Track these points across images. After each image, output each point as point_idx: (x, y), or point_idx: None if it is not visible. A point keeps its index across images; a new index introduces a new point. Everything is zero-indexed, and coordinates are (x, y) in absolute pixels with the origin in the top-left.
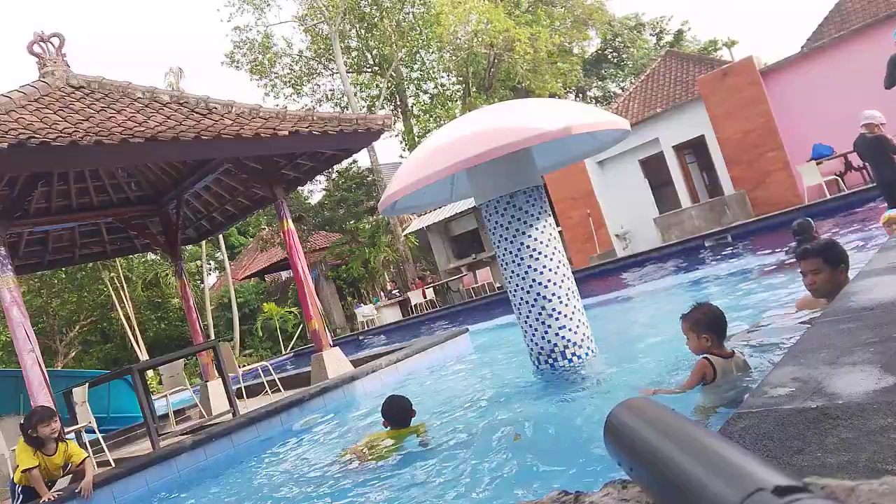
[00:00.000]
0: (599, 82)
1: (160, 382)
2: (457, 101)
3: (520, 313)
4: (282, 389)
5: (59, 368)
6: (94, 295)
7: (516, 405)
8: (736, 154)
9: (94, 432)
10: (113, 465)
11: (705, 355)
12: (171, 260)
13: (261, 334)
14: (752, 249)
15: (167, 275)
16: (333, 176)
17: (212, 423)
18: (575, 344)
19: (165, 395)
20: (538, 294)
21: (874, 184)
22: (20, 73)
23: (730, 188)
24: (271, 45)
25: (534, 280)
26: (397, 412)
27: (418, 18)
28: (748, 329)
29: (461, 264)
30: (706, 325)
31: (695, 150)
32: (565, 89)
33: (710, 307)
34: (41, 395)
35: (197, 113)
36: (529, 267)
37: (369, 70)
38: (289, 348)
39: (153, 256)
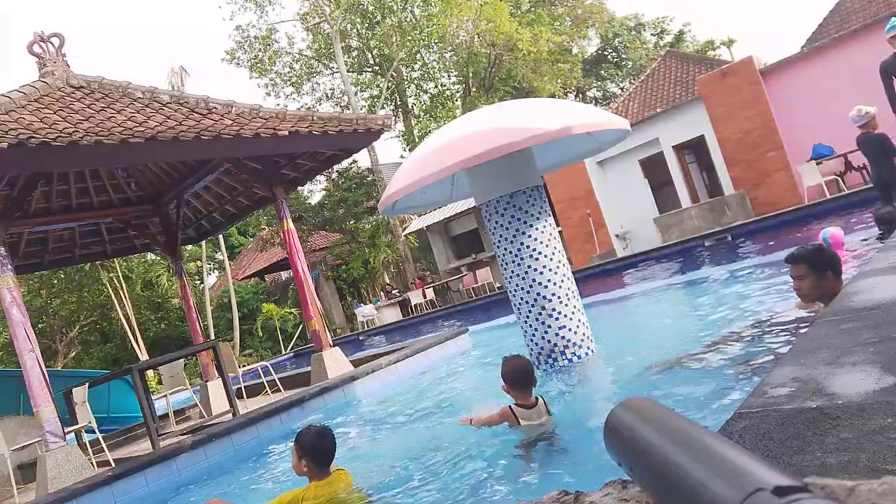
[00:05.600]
0: (599, 82)
1: (160, 382)
2: (457, 100)
3: (520, 313)
4: (282, 389)
5: (59, 368)
6: (93, 295)
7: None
8: (736, 154)
9: (94, 432)
10: (113, 464)
11: (509, 405)
12: (171, 260)
13: (261, 334)
14: (752, 250)
15: (161, 275)
16: (333, 176)
17: (212, 423)
18: (575, 344)
19: (165, 395)
20: (538, 294)
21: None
22: (20, 73)
23: (730, 188)
24: (272, 42)
25: (534, 280)
26: (326, 449)
27: (420, 18)
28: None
29: (461, 264)
30: (509, 379)
31: (695, 150)
32: (565, 90)
33: (515, 362)
34: (41, 395)
35: (197, 113)
36: (529, 267)
37: (370, 70)
38: (289, 348)
39: (153, 256)
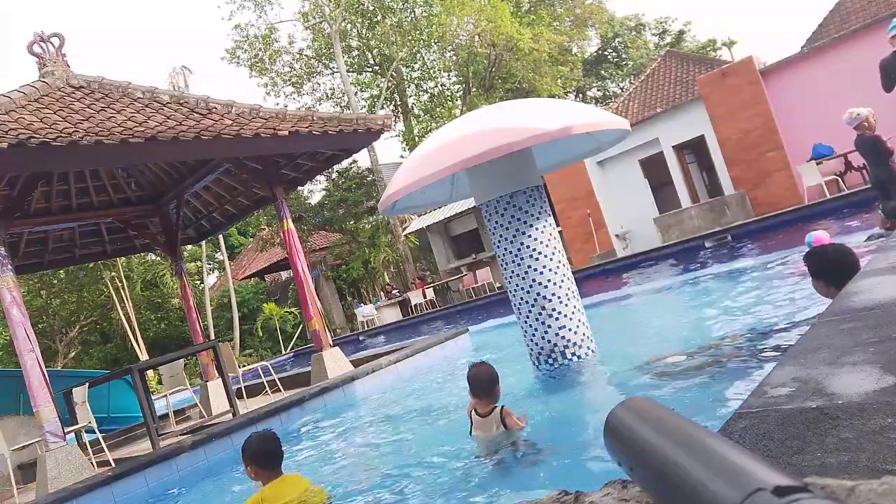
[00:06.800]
0: (599, 82)
1: (160, 382)
2: (457, 100)
3: (520, 313)
4: (282, 389)
5: (59, 368)
6: (94, 295)
7: (515, 405)
8: (736, 154)
9: (94, 432)
10: (113, 464)
11: (471, 411)
12: (171, 260)
13: (261, 334)
14: (752, 250)
15: (164, 275)
16: (333, 176)
17: (212, 423)
18: (575, 344)
19: (165, 395)
20: (538, 294)
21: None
22: (21, 73)
23: (730, 188)
24: (272, 41)
25: (534, 280)
26: (271, 450)
27: (420, 18)
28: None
29: (461, 264)
30: (470, 385)
31: (695, 150)
32: (565, 90)
33: (476, 370)
34: (41, 395)
35: (197, 113)
36: (529, 267)
37: (370, 70)
38: (289, 348)
39: (153, 256)
